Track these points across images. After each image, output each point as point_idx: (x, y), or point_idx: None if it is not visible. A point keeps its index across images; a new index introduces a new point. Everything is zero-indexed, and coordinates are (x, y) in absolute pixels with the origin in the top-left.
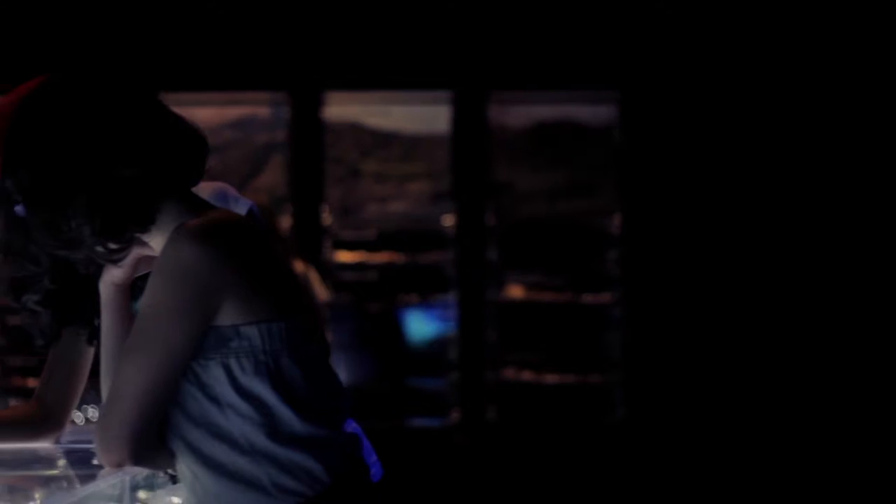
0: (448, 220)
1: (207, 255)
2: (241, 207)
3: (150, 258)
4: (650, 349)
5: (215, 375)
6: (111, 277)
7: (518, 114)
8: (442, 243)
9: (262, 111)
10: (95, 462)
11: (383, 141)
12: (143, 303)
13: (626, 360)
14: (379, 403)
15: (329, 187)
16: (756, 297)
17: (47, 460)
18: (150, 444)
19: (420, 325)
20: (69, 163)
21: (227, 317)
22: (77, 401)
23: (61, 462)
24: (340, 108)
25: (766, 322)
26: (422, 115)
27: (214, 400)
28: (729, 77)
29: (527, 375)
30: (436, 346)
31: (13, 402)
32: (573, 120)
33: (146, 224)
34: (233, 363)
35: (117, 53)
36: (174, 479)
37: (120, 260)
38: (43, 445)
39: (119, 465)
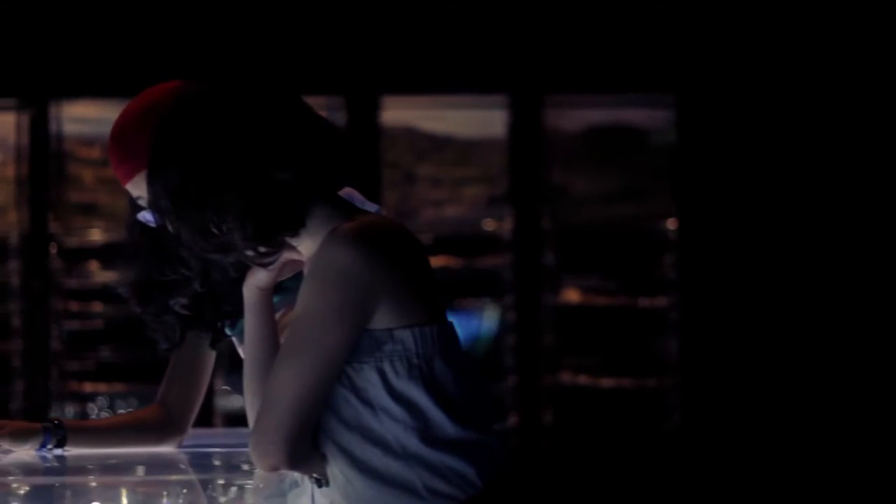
0: (504, 225)
1: (363, 259)
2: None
3: (295, 262)
4: (707, 353)
5: (369, 379)
6: (256, 281)
7: (573, 118)
8: (498, 247)
9: None
10: (217, 463)
11: (438, 145)
12: (297, 307)
13: (682, 365)
14: None
15: (384, 191)
16: (815, 300)
17: (171, 464)
18: (305, 448)
19: (476, 330)
20: (224, 166)
21: (382, 320)
22: (199, 405)
23: (183, 466)
24: (396, 113)
25: (827, 325)
26: (477, 120)
27: (368, 403)
28: (786, 81)
29: (583, 379)
30: (492, 351)
31: (136, 405)
32: (628, 124)
33: (298, 228)
34: (386, 367)
35: (182, 58)
36: (320, 483)
37: (270, 264)
38: (167, 450)
39: (274, 469)
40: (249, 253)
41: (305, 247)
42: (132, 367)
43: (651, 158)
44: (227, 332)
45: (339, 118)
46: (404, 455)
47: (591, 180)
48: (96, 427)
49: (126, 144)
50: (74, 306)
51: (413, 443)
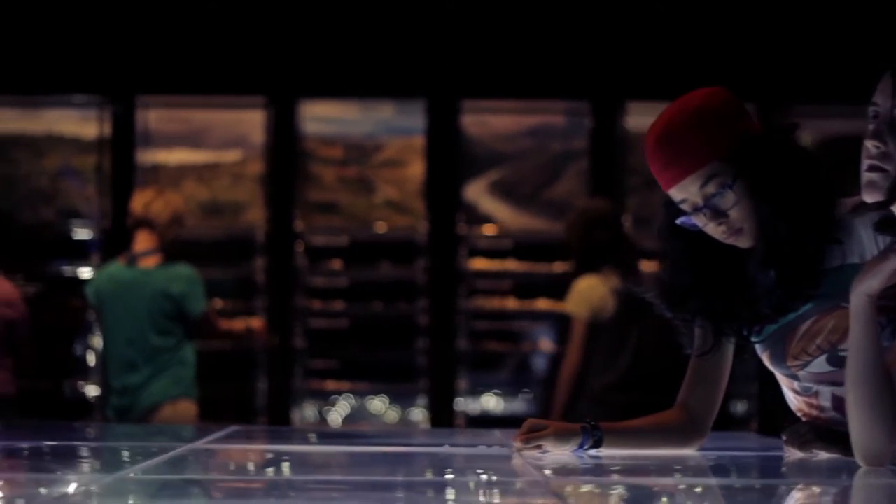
0: None
1: None
2: None
3: None
4: None
5: None
6: (865, 288)
7: (811, 128)
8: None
9: (558, 120)
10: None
11: None
12: None
13: None
14: None
15: (626, 196)
16: None
17: (693, 468)
18: None
19: None
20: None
21: None
22: (718, 409)
23: (704, 470)
24: (638, 118)
25: None
26: None
27: None
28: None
29: None
30: None
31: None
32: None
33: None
34: None
35: (413, 62)
36: None
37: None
38: (688, 453)
39: (880, 464)
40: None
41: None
42: (377, 366)
43: None
44: (753, 338)
45: (580, 122)
46: None
47: None
48: (628, 429)
49: (676, 149)
50: (318, 304)
51: None
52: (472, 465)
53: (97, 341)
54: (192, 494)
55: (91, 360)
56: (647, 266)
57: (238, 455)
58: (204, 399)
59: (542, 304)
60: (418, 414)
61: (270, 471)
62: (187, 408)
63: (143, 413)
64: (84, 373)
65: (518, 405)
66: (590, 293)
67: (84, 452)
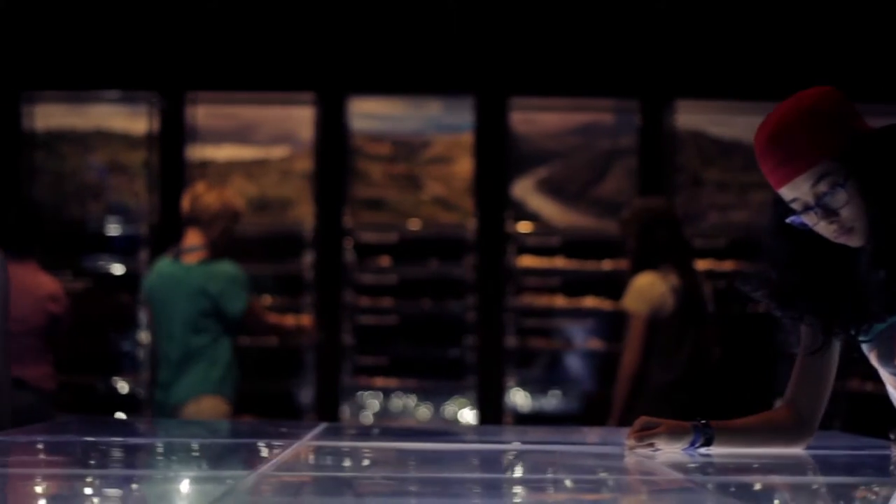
0: None
1: None
2: None
3: None
4: None
5: None
6: None
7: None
8: None
9: (605, 118)
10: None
11: (725, 150)
12: None
13: None
14: None
15: (673, 194)
16: None
17: (796, 466)
18: None
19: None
20: None
21: None
22: (824, 408)
23: (810, 469)
24: (686, 117)
25: None
26: None
27: None
28: None
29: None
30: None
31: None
32: None
33: None
34: None
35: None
36: None
37: None
38: (794, 451)
39: None
40: None
41: None
42: (425, 363)
43: None
44: (861, 337)
45: (629, 120)
46: None
47: None
48: (738, 427)
49: (788, 147)
50: (367, 301)
51: None
52: (593, 463)
53: (144, 337)
54: (344, 492)
55: (140, 355)
56: (701, 264)
57: (358, 451)
58: (251, 396)
59: (590, 301)
60: (462, 411)
61: (412, 465)
62: (212, 405)
63: (172, 410)
64: (126, 369)
65: (565, 402)
66: (649, 290)
67: (195, 449)
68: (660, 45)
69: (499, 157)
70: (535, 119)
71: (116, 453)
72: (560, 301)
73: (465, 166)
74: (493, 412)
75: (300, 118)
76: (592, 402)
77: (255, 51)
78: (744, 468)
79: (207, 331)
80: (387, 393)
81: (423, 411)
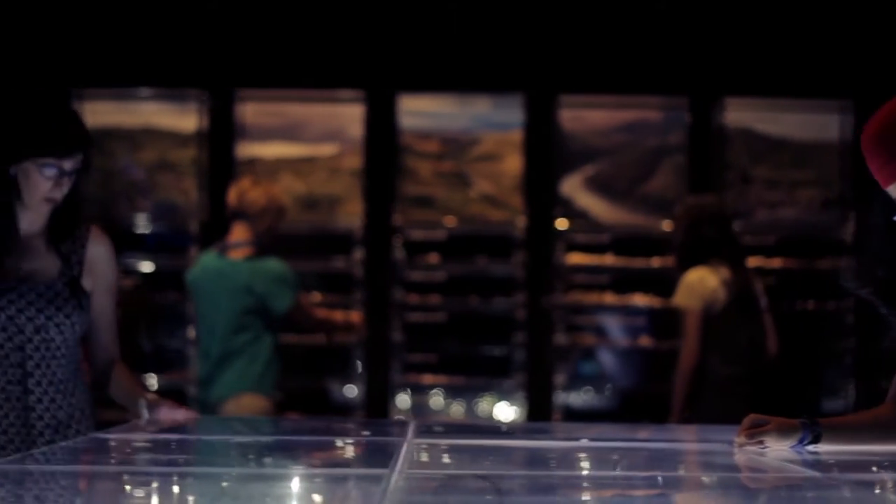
0: (844, 228)
1: None
2: None
3: None
4: None
5: None
6: None
7: None
8: (838, 250)
9: (653, 115)
10: None
11: (774, 147)
12: None
13: None
14: None
15: (723, 192)
16: None
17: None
18: None
19: (818, 331)
20: None
21: None
22: None
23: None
24: (734, 114)
25: None
26: (813, 123)
27: None
28: None
29: None
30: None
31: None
32: None
33: None
34: None
35: (510, 56)
36: None
37: None
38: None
39: None
40: None
41: None
42: (474, 361)
43: None
44: None
45: (677, 118)
46: None
47: None
48: (846, 425)
49: (891, 146)
50: (416, 298)
51: None
52: (706, 460)
53: (192, 334)
54: (481, 490)
55: (189, 352)
56: (751, 261)
57: (477, 449)
58: (299, 393)
59: (639, 298)
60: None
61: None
62: (251, 403)
63: (212, 407)
64: (175, 366)
65: (614, 400)
66: (700, 285)
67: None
68: (708, 42)
69: (547, 154)
70: (583, 116)
71: (233, 451)
72: (609, 298)
73: (513, 164)
74: (542, 409)
75: (349, 116)
76: (641, 399)
77: (305, 48)
78: (861, 465)
79: (249, 328)
80: (424, 390)
81: (458, 408)
